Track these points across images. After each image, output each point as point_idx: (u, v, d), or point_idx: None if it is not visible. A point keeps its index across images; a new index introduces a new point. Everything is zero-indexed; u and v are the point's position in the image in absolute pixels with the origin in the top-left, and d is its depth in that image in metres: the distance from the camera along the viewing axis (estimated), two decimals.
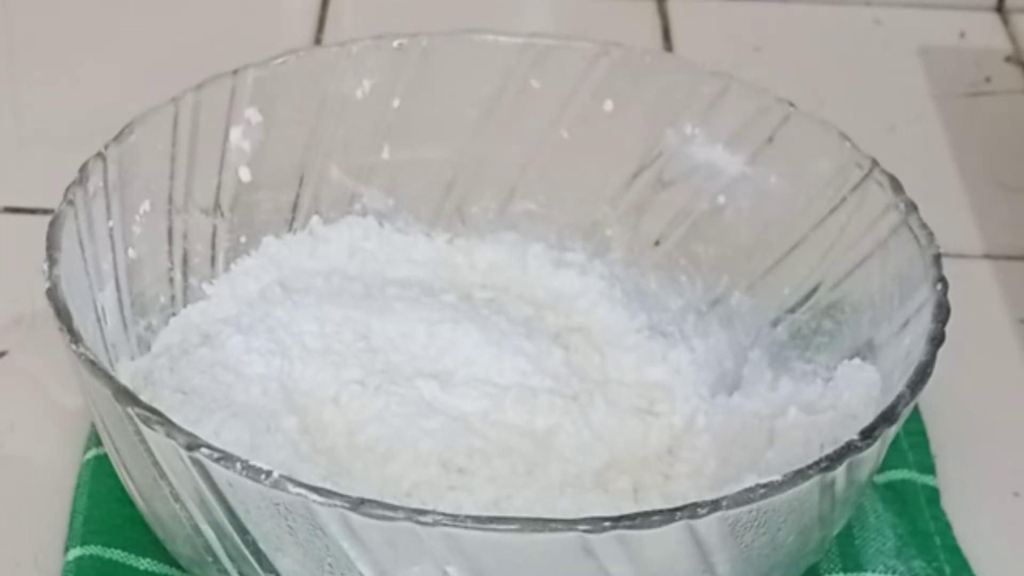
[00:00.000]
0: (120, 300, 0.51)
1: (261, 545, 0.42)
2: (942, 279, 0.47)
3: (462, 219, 0.58)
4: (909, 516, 0.51)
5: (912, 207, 0.50)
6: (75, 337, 0.43)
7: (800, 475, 0.41)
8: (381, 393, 0.50)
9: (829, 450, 0.42)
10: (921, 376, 0.44)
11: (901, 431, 0.51)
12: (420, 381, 0.51)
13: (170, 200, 0.53)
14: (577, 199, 0.58)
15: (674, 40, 0.74)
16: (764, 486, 0.40)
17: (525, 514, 0.46)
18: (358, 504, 0.39)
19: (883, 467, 0.50)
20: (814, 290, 0.53)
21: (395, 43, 0.56)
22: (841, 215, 0.52)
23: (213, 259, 0.55)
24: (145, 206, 0.52)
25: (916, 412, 0.54)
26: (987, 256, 0.63)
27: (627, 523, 0.39)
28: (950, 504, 0.52)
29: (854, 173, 0.52)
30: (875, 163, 0.52)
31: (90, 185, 0.49)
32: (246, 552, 0.42)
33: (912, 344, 0.46)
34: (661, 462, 0.51)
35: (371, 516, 0.39)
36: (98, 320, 0.49)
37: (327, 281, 0.55)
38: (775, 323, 0.54)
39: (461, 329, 0.53)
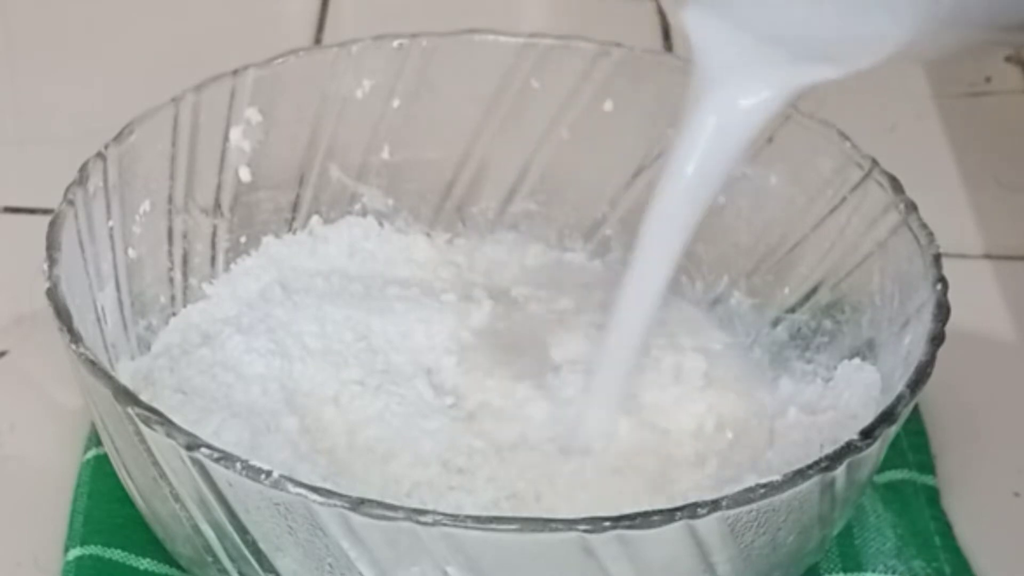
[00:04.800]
0: (120, 300, 0.51)
1: (261, 545, 0.42)
2: (942, 279, 0.47)
3: (462, 219, 0.58)
4: (909, 516, 0.51)
5: (912, 207, 0.50)
6: (75, 337, 0.43)
7: (800, 475, 0.41)
8: (381, 393, 0.50)
9: (829, 450, 0.42)
10: (921, 376, 0.44)
11: (901, 431, 0.51)
12: (420, 381, 0.51)
13: (170, 200, 0.53)
14: (577, 199, 0.58)
15: (674, 40, 0.74)
16: (764, 486, 0.40)
17: (531, 514, 0.46)
18: (358, 504, 0.39)
19: (883, 467, 0.50)
20: (814, 290, 0.53)
21: (395, 43, 0.56)
22: (841, 215, 0.52)
23: (213, 259, 0.55)
24: (145, 206, 0.52)
25: (916, 412, 0.54)
26: (987, 256, 0.63)
27: (627, 523, 0.39)
28: (950, 504, 0.52)
29: (854, 173, 0.52)
30: (875, 163, 0.52)
31: (90, 185, 0.49)
32: (246, 552, 0.42)
33: (912, 344, 0.46)
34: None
35: (371, 516, 0.39)
36: (98, 320, 0.49)
37: (327, 281, 0.55)
38: (775, 323, 0.54)
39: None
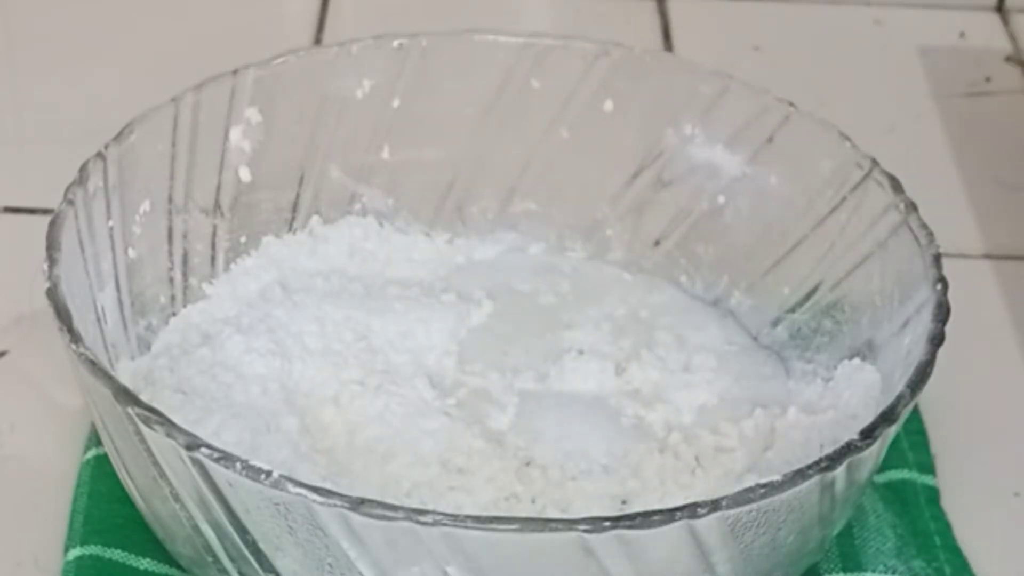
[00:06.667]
0: (120, 300, 0.51)
1: (261, 545, 0.42)
2: (942, 279, 0.47)
3: (462, 219, 0.58)
4: (909, 516, 0.51)
5: (912, 207, 0.50)
6: (75, 337, 0.44)
7: (800, 475, 0.41)
8: (381, 393, 0.50)
9: (829, 450, 0.42)
10: (921, 376, 0.44)
11: (901, 431, 0.51)
12: (420, 381, 0.51)
13: (170, 200, 0.53)
14: (577, 199, 0.58)
15: (674, 40, 0.74)
16: (764, 486, 0.40)
17: (530, 514, 0.46)
18: (358, 504, 0.39)
19: (883, 467, 0.50)
20: (814, 290, 0.53)
21: (395, 43, 0.56)
22: (841, 215, 0.52)
23: (213, 259, 0.55)
24: (145, 206, 0.52)
25: (916, 412, 0.54)
26: (987, 256, 0.63)
27: (627, 523, 0.39)
28: (950, 504, 0.52)
29: (854, 173, 0.52)
30: (875, 163, 0.52)
31: (90, 185, 0.49)
32: (246, 552, 0.42)
33: (912, 344, 0.46)
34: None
35: (371, 516, 0.39)
36: (98, 320, 0.49)
37: (327, 281, 0.55)
38: (775, 323, 0.54)
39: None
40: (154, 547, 0.48)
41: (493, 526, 0.39)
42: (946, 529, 0.51)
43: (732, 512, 0.40)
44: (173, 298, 0.54)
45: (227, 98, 0.54)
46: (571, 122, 0.57)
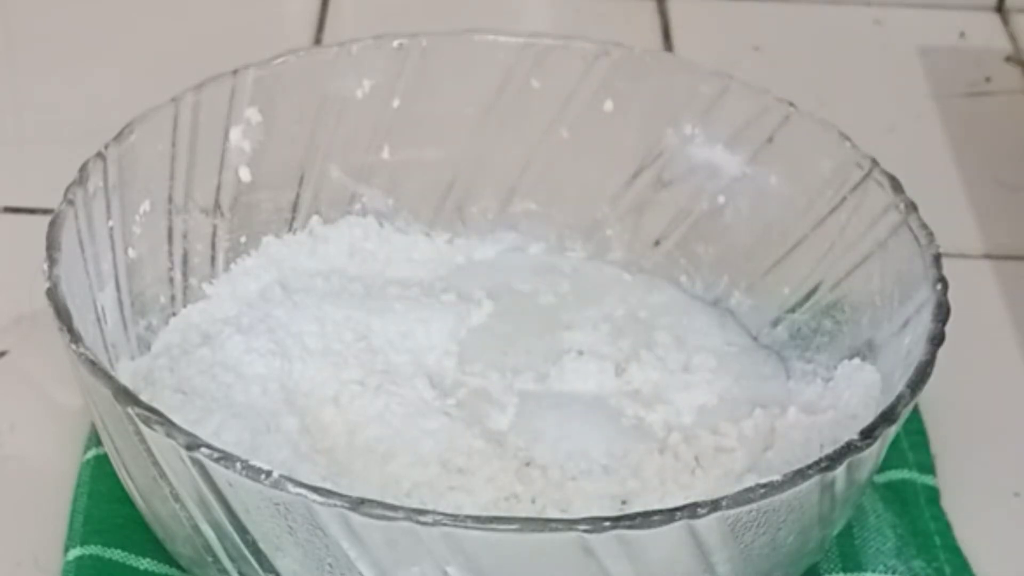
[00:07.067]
0: (120, 300, 0.51)
1: (261, 545, 0.42)
2: (942, 279, 0.47)
3: (462, 219, 0.58)
4: (909, 516, 0.51)
5: (912, 207, 0.50)
6: (75, 337, 0.44)
7: (800, 475, 0.41)
8: (381, 393, 0.50)
9: (829, 450, 0.42)
10: (921, 376, 0.44)
11: (901, 431, 0.51)
12: (420, 381, 0.51)
13: (170, 200, 0.53)
14: (577, 199, 0.58)
15: (674, 40, 0.74)
16: (764, 486, 0.40)
17: (530, 514, 0.46)
18: (358, 504, 0.39)
19: (883, 467, 0.50)
20: (814, 290, 0.53)
21: (395, 43, 0.56)
22: (841, 215, 0.52)
23: (213, 259, 0.55)
24: (145, 206, 0.52)
25: (916, 412, 0.54)
26: (987, 256, 0.63)
27: (627, 523, 0.39)
28: (950, 504, 0.52)
29: (854, 173, 0.52)
30: (875, 163, 0.52)
31: (90, 185, 0.49)
32: (246, 552, 0.42)
33: (912, 344, 0.46)
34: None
35: (371, 516, 0.39)
36: (98, 320, 0.49)
37: (327, 281, 0.55)
38: (775, 323, 0.54)
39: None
40: (154, 547, 0.48)
41: (493, 526, 0.39)
42: (946, 529, 0.51)
43: (732, 512, 0.40)
44: (173, 298, 0.54)
45: (227, 98, 0.54)
46: (571, 122, 0.57)
